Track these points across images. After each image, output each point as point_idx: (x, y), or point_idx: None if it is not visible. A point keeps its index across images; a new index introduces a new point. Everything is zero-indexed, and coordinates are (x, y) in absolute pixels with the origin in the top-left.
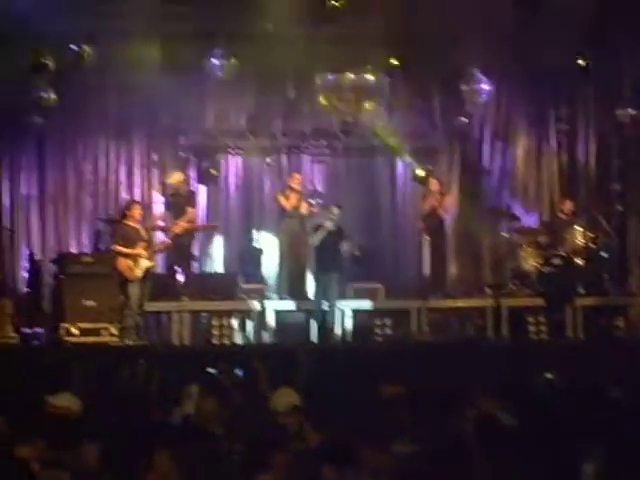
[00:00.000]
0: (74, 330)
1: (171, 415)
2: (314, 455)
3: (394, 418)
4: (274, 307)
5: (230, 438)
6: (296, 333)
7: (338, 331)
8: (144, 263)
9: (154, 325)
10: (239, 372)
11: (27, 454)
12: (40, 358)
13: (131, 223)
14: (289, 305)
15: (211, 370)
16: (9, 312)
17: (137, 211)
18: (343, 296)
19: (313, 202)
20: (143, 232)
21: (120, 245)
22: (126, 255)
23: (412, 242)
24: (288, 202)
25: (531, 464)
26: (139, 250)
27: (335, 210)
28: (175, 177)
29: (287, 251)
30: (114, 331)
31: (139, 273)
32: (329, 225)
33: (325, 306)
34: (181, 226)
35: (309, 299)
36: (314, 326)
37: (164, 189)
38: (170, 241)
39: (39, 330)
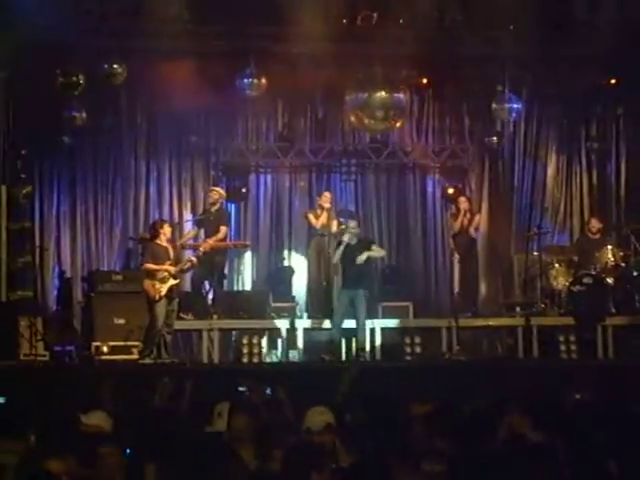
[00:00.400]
0: (105, 348)
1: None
2: (347, 474)
3: (425, 436)
4: (304, 325)
5: (262, 457)
6: (327, 351)
7: (367, 349)
8: (169, 282)
9: (184, 343)
10: (267, 390)
11: (58, 469)
12: (71, 376)
13: (161, 242)
14: (319, 323)
15: (241, 388)
16: (40, 330)
17: (167, 230)
18: (373, 314)
19: (343, 221)
20: (172, 251)
21: (150, 263)
22: (153, 273)
23: (442, 261)
24: (317, 220)
25: None
26: (166, 267)
27: (352, 223)
28: (219, 189)
29: (316, 269)
30: None
31: (163, 292)
32: (347, 238)
33: (352, 324)
34: (209, 244)
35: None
36: (336, 343)
37: (195, 207)
38: (195, 260)
39: (70, 348)
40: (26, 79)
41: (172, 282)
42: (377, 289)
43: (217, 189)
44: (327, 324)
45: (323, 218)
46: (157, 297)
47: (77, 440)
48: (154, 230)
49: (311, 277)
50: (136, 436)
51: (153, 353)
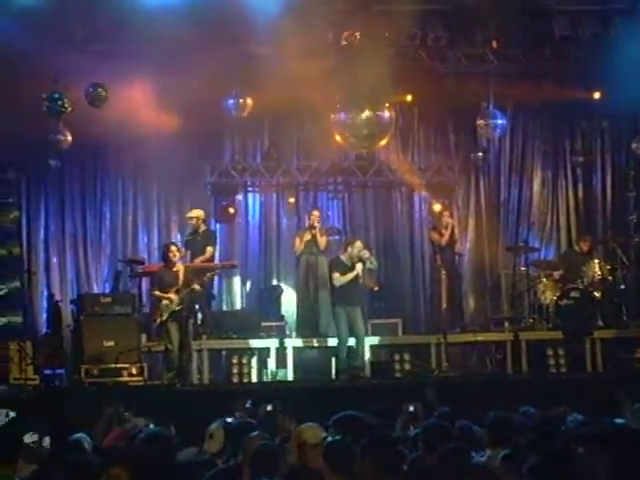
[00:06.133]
0: (94, 371)
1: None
2: None
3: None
4: (294, 344)
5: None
6: (316, 370)
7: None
8: (171, 306)
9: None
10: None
11: None
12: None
13: (170, 267)
14: (309, 342)
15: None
16: (29, 354)
17: (173, 249)
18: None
19: (331, 239)
20: (182, 275)
21: (156, 290)
22: (159, 299)
23: (430, 277)
24: (301, 243)
25: None
26: (168, 296)
27: (359, 244)
28: (195, 212)
29: (305, 288)
30: (134, 371)
31: (165, 317)
32: (372, 265)
33: (352, 342)
34: (209, 274)
35: (329, 336)
36: (338, 362)
37: (183, 228)
38: (199, 287)
39: (60, 371)
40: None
41: (175, 308)
42: (366, 306)
43: (192, 215)
44: (316, 343)
45: (307, 236)
46: (158, 321)
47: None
48: (163, 254)
49: (300, 296)
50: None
51: (170, 374)
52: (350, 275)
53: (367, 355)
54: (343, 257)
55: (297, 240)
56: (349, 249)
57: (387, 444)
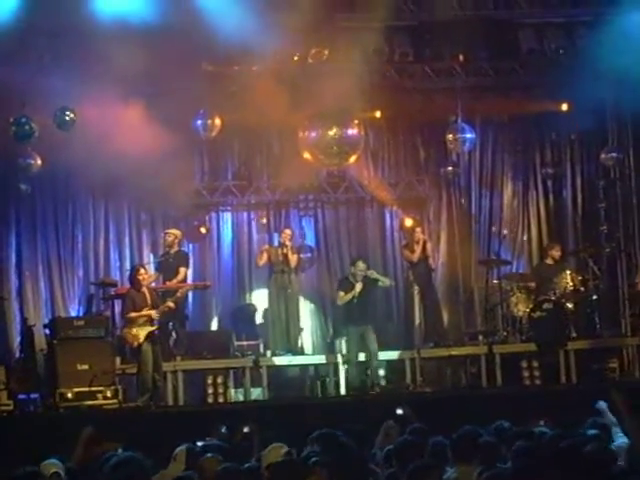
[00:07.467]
0: (69, 394)
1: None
2: None
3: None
4: (268, 363)
5: None
6: (292, 388)
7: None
8: (147, 327)
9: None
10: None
11: None
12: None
13: (139, 290)
14: (284, 360)
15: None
16: (3, 379)
17: (142, 272)
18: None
19: (303, 257)
20: (149, 296)
21: (131, 313)
22: (133, 321)
23: (404, 292)
24: (261, 259)
25: None
26: (147, 313)
27: (361, 264)
28: (174, 231)
29: (277, 306)
30: (109, 394)
31: (141, 338)
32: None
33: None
34: (184, 288)
35: (304, 353)
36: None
37: (155, 248)
38: (173, 305)
39: (34, 396)
40: None
41: (150, 328)
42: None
43: (171, 231)
44: (292, 360)
45: (269, 255)
46: (135, 344)
47: None
48: (131, 277)
49: (273, 314)
50: None
51: (144, 397)
52: (349, 295)
53: (342, 372)
54: (350, 276)
55: (262, 255)
56: (352, 269)
57: (358, 463)
